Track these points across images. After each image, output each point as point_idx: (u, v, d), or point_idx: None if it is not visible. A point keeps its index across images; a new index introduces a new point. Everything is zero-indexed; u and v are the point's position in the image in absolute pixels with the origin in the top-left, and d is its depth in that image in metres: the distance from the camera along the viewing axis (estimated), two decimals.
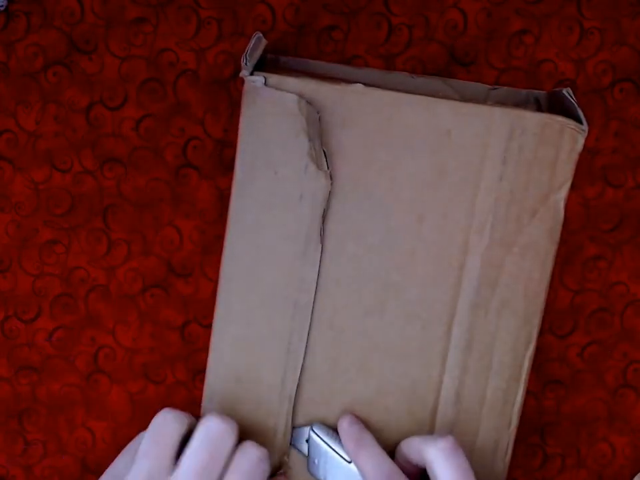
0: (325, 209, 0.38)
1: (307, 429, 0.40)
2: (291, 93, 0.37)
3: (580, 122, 0.37)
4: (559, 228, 0.39)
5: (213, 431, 0.37)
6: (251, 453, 0.37)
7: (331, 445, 0.39)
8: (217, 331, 0.40)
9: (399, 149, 0.38)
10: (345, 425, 0.39)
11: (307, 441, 0.40)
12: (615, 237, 0.47)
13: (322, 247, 0.39)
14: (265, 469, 0.38)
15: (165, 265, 0.47)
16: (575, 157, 0.38)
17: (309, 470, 0.41)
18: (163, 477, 0.35)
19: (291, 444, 0.41)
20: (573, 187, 0.38)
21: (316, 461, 0.40)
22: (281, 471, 0.41)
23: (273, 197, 0.39)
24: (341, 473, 0.39)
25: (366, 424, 0.40)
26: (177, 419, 0.37)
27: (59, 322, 0.47)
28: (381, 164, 0.38)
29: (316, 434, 0.40)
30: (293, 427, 0.40)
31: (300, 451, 0.41)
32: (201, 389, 0.41)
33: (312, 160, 0.38)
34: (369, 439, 0.39)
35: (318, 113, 0.38)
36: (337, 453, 0.39)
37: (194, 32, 0.45)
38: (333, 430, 0.40)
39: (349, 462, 0.39)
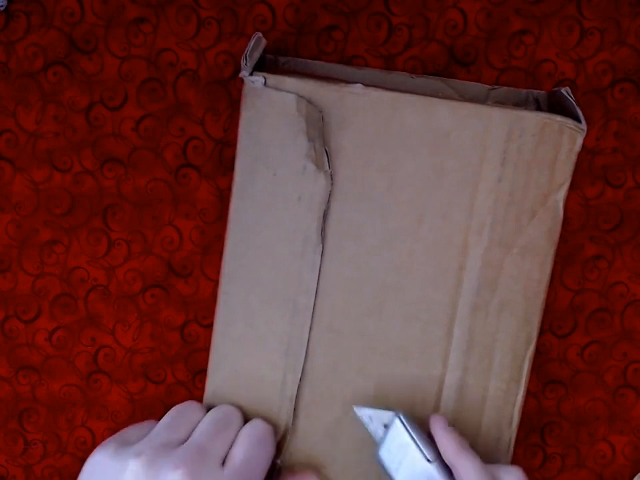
0: (325, 210, 0.38)
1: (386, 413, 0.39)
2: (291, 93, 0.37)
3: (579, 122, 0.37)
4: (558, 228, 0.38)
5: (221, 409, 0.39)
6: (259, 426, 0.39)
7: (415, 439, 0.38)
8: (219, 331, 0.40)
9: (398, 150, 0.38)
10: (442, 425, 0.38)
11: (385, 425, 0.39)
12: (615, 237, 0.47)
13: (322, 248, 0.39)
14: (272, 442, 0.39)
15: (165, 264, 0.47)
16: (574, 157, 0.38)
17: (379, 454, 0.39)
18: (174, 446, 0.37)
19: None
20: (573, 187, 0.38)
21: (392, 450, 0.38)
22: (279, 461, 0.41)
23: (272, 198, 0.39)
24: (419, 469, 0.38)
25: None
26: (199, 407, 0.40)
27: (59, 322, 0.47)
28: (380, 165, 0.38)
29: (402, 423, 0.38)
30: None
31: (367, 429, 0.40)
32: (201, 389, 0.41)
33: (311, 161, 0.38)
34: (469, 447, 0.38)
35: (320, 112, 0.38)
36: (420, 450, 0.38)
37: (194, 32, 0.45)
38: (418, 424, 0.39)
39: (429, 461, 0.38)
